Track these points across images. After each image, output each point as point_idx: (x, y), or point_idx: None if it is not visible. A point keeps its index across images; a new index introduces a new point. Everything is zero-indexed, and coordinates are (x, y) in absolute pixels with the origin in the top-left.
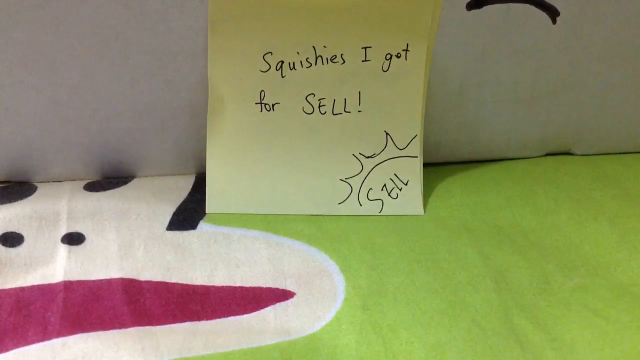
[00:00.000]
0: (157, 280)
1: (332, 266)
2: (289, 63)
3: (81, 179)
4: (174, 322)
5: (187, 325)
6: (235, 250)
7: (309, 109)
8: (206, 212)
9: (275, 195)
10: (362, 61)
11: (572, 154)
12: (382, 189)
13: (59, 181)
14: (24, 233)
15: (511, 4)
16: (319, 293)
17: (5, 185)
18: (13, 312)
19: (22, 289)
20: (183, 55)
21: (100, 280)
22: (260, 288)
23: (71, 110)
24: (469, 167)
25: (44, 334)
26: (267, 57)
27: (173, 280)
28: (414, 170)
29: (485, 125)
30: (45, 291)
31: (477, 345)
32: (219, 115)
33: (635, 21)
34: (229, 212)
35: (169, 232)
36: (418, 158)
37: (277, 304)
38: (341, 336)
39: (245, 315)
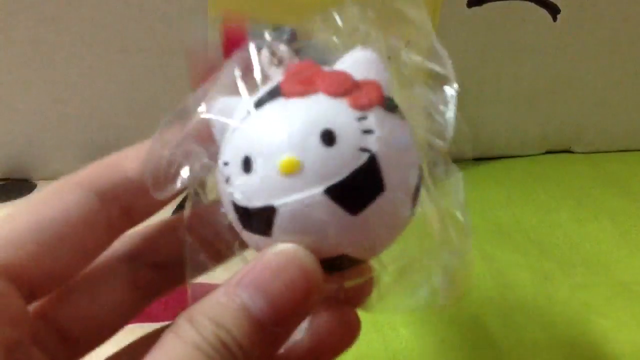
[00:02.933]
0: None
1: None
2: None
3: None
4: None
5: None
6: None
7: None
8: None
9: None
10: None
11: (573, 152)
12: None
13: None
14: None
15: (512, 1)
16: None
17: (4, 182)
18: None
19: None
20: (182, 53)
21: None
22: None
23: (70, 108)
24: (469, 166)
25: None
26: None
27: None
28: None
29: (486, 123)
30: None
31: (477, 343)
32: None
33: (635, 19)
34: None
35: None
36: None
37: None
38: None
39: None
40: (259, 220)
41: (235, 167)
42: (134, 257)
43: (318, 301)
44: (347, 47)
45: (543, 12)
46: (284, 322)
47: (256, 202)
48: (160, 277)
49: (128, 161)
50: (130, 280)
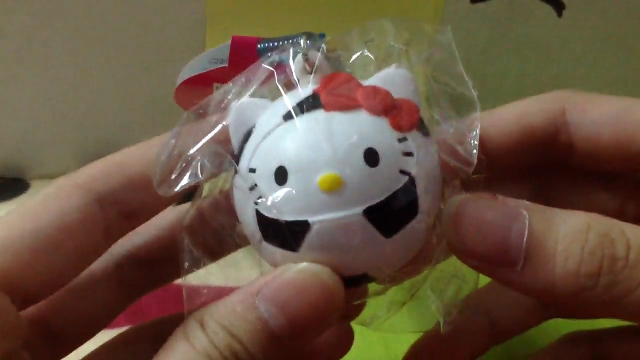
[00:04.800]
0: None
1: None
2: None
3: None
4: None
5: None
6: None
7: None
8: None
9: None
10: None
11: None
12: None
13: (52, 178)
14: None
15: None
16: None
17: None
18: None
19: None
20: (180, 50)
21: None
22: None
23: (65, 107)
24: None
25: None
26: None
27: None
28: None
29: None
30: None
31: None
32: None
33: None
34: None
35: None
36: None
37: None
38: None
39: None
40: (288, 234)
41: (266, 176)
42: (120, 255)
43: (336, 320)
44: (379, 62)
45: (548, 8)
46: (300, 339)
47: (288, 216)
48: (146, 276)
49: (132, 161)
50: (116, 278)
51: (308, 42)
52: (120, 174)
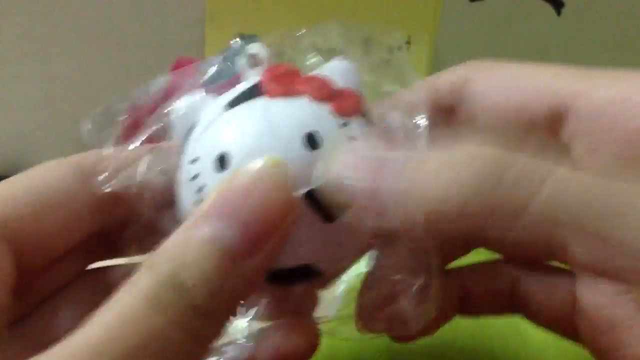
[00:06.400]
0: None
1: None
2: None
3: None
4: None
5: None
6: None
7: None
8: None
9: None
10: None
11: None
12: None
13: None
14: None
15: None
16: None
17: None
18: None
19: None
20: (180, 47)
21: None
22: None
23: (66, 104)
24: None
25: None
26: None
27: None
28: None
29: None
30: None
31: (478, 343)
32: None
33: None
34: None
35: None
36: None
37: None
38: None
39: None
40: None
41: (207, 164)
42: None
43: (292, 224)
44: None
45: (547, 7)
46: (256, 251)
47: None
48: (105, 250)
49: (123, 152)
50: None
51: (244, 40)
52: (108, 161)
